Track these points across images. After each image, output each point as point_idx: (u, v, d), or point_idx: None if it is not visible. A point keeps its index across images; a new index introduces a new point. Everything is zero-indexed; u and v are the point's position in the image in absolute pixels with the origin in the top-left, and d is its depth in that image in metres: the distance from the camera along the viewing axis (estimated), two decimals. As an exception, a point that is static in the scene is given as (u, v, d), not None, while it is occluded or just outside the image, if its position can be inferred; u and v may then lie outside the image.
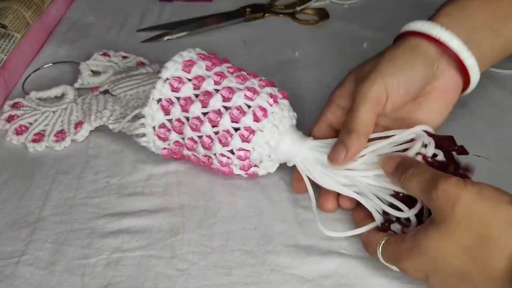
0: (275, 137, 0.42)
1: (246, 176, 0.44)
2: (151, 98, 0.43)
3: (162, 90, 0.43)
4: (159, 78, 0.43)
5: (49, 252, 0.40)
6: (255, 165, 0.43)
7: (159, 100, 0.43)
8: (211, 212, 0.43)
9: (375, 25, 0.65)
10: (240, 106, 0.41)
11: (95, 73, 0.57)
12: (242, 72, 0.45)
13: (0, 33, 0.56)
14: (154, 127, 0.44)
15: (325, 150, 0.40)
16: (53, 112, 0.52)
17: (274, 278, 0.38)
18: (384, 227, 0.37)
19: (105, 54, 0.59)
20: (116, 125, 0.48)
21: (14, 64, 0.57)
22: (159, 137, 0.44)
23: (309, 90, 0.56)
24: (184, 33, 0.64)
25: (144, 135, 0.44)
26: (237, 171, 0.43)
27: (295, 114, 0.45)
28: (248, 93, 0.42)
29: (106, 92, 0.54)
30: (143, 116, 0.44)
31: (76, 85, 0.56)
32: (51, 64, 0.60)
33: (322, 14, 0.67)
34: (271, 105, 0.42)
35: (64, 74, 0.59)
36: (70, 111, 0.52)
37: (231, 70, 0.45)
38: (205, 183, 0.46)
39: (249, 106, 0.42)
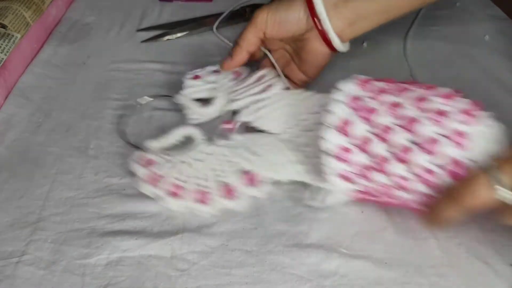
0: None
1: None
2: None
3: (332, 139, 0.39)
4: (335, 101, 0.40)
5: (49, 252, 0.40)
6: None
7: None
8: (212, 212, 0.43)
9: (375, 25, 0.65)
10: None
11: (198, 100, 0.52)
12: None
13: (0, 33, 0.56)
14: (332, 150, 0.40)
15: None
16: (200, 161, 0.45)
17: (274, 278, 0.38)
18: None
19: (196, 77, 0.53)
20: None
21: (14, 64, 0.57)
22: (339, 158, 0.39)
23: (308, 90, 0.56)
24: (184, 33, 0.64)
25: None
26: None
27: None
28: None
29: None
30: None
31: (191, 122, 0.50)
32: (147, 99, 0.54)
33: (322, 14, 0.67)
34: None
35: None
36: (223, 157, 0.45)
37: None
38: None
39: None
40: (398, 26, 0.66)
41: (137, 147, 0.48)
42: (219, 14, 0.66)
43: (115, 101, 0.55)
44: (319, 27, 0.49)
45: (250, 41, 0.51)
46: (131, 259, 0.40)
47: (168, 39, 0.64)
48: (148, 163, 0.45)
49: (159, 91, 0.56)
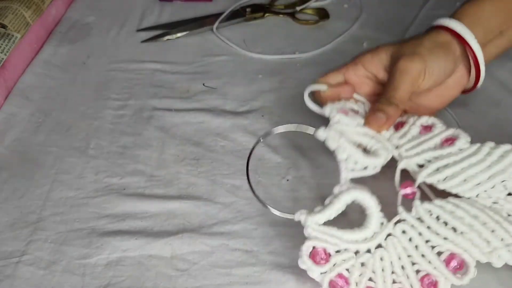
0: None
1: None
2: None
3: None
4: None
5: (49, 252, 0.40)
6: None
7: None
8: (212, 212, 0.43)
9: (375, 25, 0.65)
10: None
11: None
12: None
13: (0, 33, 0.56)
14: None
15: None
16: (384, 248, 0.36)
17: (274, 278, 0.38)
18: None
19: (343, 112, 0.42)
20: None
21: (14, 64, 0.57)
22: None
23: (309, 90, 0.56)
24: (184, 33, 0.64)
25: None
26: None
27: None
28: None
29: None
30: None
31: (348, 174, 0.39)
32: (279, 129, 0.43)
33: (322, 14, 0.67)
34: None
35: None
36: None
37: None
38: (206, 183, 0.46)
39: None
40: (398, 26, 0.66)
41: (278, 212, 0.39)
42: (219, 14, 0.66)
43: (115, 101, 0.55)
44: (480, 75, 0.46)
45: (406, 97, 0.43)
46: (131, 259, 0.40)
47: (168, 39, 0.64)
48: (320, 255, 0.36)
49: (159, 91, 0.56)
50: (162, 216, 0.43)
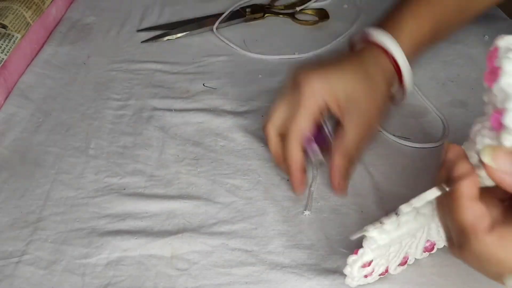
0: None
1: None
2: None
3: None
4: None
5: (50, 252, 0.40)
6: None
7: None
8: (212, 212, 0.43)
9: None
10: None
11: None
12: None
13: (0, 33, 0.56)
14: None
15: None
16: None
17: (274, 278, 0.38)
18: None
19: None
20: None
21: (14, 64, 0.57)
22: None
23: (309, 90, 0.56)
24: (184, 33, 0.64)
25: None
26: None
27: None
28: None
29: None
30: None
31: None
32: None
33: (322, 14, 0.67)
34: None
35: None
36: None
37: None
38: (206, 183, 0.46)
39: None
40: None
41: None
42: (219, 15, 0.67)
43: (115, 101, 0.55)
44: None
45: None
46: (131, 259, 0.40)
47: (168, 39, 0.64)
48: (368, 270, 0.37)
49: (159, 91, 0.56)
50: (162, 216, 0.43)
